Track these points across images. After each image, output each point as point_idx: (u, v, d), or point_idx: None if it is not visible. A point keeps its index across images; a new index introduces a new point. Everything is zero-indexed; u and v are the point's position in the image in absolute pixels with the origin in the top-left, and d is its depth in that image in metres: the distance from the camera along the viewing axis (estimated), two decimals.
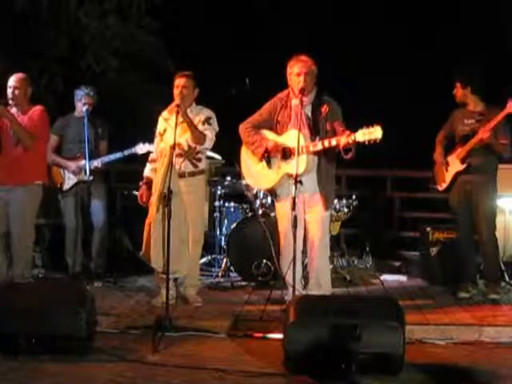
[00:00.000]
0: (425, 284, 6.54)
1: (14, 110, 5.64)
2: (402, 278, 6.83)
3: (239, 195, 6.95)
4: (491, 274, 5.82)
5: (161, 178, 5.20)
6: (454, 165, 5.82)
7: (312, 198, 5.21)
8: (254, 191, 6.44)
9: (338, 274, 6.48)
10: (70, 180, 6.34)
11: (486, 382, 3.99)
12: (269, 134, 5.29)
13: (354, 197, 6.64)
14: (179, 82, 5.39)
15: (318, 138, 5.14)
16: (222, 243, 6.88)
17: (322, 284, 5.24)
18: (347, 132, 4.94)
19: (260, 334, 4.68)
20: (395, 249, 7.91)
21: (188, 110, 5.35)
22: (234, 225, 6.50)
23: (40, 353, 4.13)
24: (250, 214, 6.67)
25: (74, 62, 9.93)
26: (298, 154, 4.92)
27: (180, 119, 5.17)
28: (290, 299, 4.62)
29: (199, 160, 5.47)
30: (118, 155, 6.34)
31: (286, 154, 5.17)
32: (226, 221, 6.98)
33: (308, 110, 5.23)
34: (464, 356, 4.41)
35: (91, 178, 6.17)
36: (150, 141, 5.85)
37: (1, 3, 8.97)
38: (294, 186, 4.84)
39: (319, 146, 5.05)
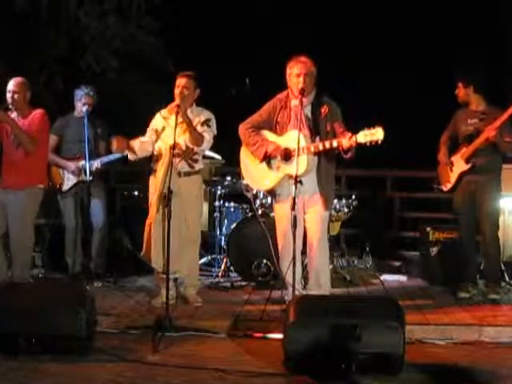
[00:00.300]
0: (425, 284, 6.54)
1: (14, 115, 5.63)
2: (402, 278, 6.83)
3: (239, 195, 6.95)
4: (492, 274, 5.82)
5: (161, 178, 5.21)
6: (459, 165, 5.79)
7: (312, 199, 5.21)
8: (254, 191, 6.44)
9: (338, 273, 6.48)
10: (69, 180, 6.34)
11: (486, 382, 3.99)
12: (269, 135, 5.29)
13: (353, 197, 6.63)
14: (180, 81, 5.38)
15: (317, 139, 5.14)
16: (222, 243, 6.87)
17: (321, 284, 5.24)
18: (349, 134, 4.93)
19: (260, 334, 4.68)
20: (395, 249, 7.91)
21: (188, 111, 5.34)
22: (234, 225, 6.50)
23: (40, 353, 4.13)
24: (249, 214, 6.67)
25: (74, 62, 9.94)
26: (299, 154, 4.92)
27: (179, 119, 5.17)
28: (289, 299, 4.63)
29: (196, 161, 5.46)
30: (118, 155, 6.34)
31: (287, 155, 5.16)
32: (225, 221, 6.97)
33: (308, 111, 5.23)
34: (464, 356, 4.41)
35: (91, 178, 6.17)
36: None
37: (1, 3, 8.97)
38: (294, 187, 4.84)
39: (320, 147, 5.05)
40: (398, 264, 7.38)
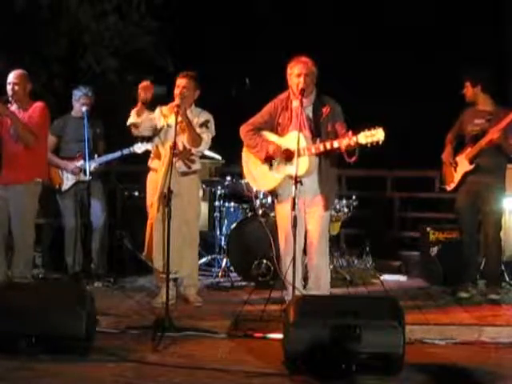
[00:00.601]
0: (425, 284, 6.54)
1: (14, 107, 5.63)
2: (402, 278, 6.84)
3: (239, 195, 6.95)
4: (492, 275, 5.81)
5: (161, 178, 5.21)
6: (463, 165, 5.77)
7: (313, 199, 5.20)
8: (254, 191, 6.43)
9: (338, 273, 6.48)
10: (68, 180, 6.34)
11: (486, 381, 3.99)
12: (270, 136, 5.28)
13: (353, 197, 6.64)
14: (180, 82, 5.38)
15: (319, 140, 5.13)
16: (222, 243, 6.87)
17: (321, 284, 5.24)
18: (349, 134, 4.93)
19: (260, 334, 4.68)
20: (395, 249, 7.90)
21: (188, 111, 5.34)
22: (234, 225, 6.51)
23: (40, 353, 4.13)
24: (249, 214, 6.67)
25: (74, 62, 9.94)
26: (299, 155, 4.92)
27: (179, 119, 5.17)
28: (289, 299, 4.63)
29: (193, 161, 5.47)
30: (117, 155, 6.35)
31: (288, 156, 5.16)
32: (225, 221, 6.97)
33: (309, 111, 5.22)
34: (464, 356, 4.40)
35: (90, 177, 6.16)
36: (148, 140, 5.85)
37: (1, 3, 8.97)
38: (294, 187, 4.84)
39: (321, 148, 5.05)
40: (398, 264, 7.38)
